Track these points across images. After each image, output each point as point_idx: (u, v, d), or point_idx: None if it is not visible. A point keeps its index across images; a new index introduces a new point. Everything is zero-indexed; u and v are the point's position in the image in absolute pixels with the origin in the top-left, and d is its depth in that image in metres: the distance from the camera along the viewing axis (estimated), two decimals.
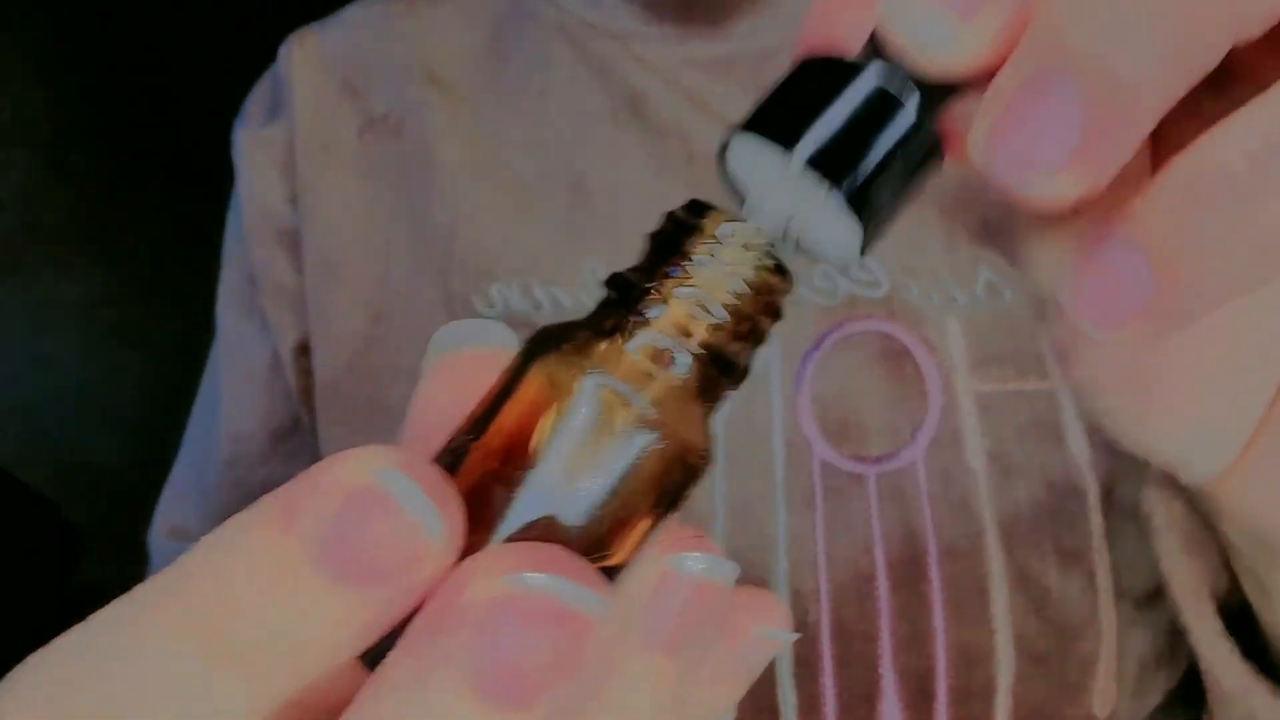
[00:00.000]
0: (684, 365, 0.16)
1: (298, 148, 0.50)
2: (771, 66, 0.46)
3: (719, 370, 0.16)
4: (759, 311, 0.16)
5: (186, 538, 0.53)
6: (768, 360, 0.42)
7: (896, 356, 0.41)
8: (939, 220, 0.43)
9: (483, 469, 0.15)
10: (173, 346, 1.45)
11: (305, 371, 0.51)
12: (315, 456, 0.51)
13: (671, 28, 0.47)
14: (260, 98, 0.54)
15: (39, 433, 1.38)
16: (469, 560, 0.14)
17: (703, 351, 0.16)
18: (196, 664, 0.13)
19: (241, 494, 0.52)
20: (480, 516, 0.15)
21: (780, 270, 0.16)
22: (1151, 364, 0.19)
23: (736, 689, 0.17)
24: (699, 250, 0.16)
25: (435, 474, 0.14)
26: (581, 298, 0.44)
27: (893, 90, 0.16)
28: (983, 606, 0.38)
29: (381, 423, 0.46)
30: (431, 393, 0.18)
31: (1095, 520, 0.39)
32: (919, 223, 0.43)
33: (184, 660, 0.13)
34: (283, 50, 0.52)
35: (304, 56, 0.52)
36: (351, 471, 0.13)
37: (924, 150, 0.16)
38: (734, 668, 0.17)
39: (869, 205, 0.16)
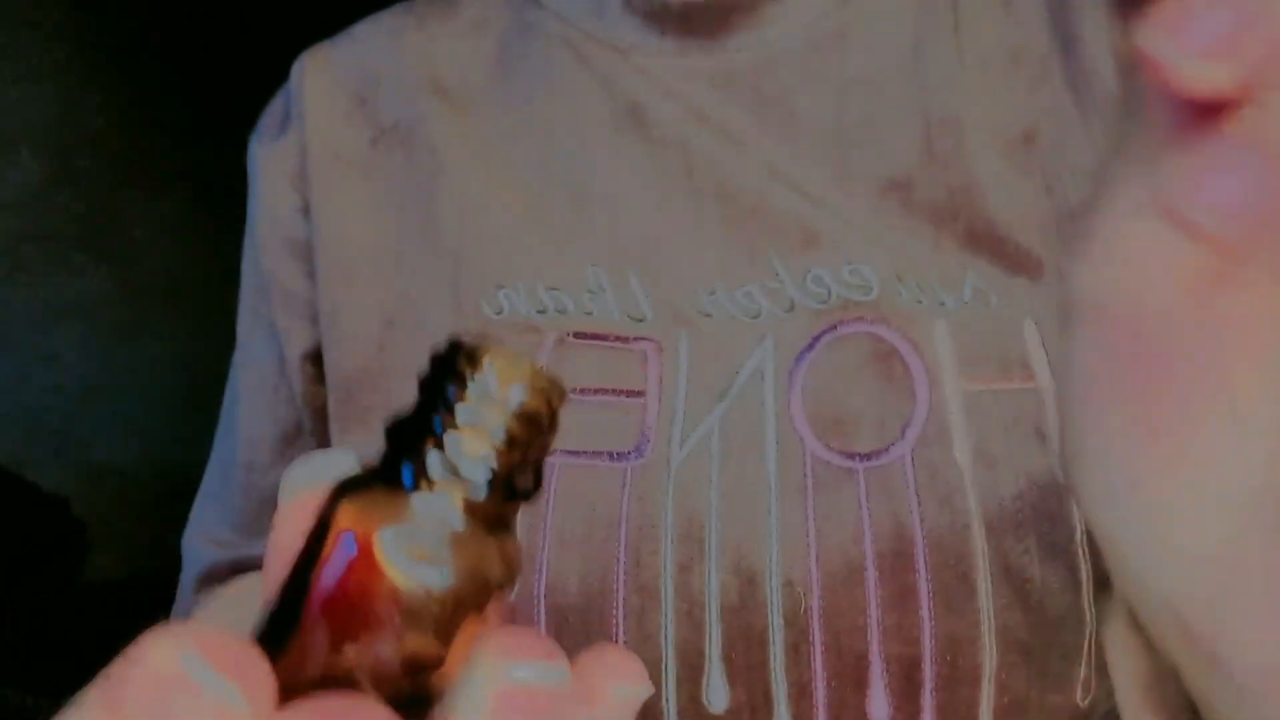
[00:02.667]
0: (456, 517, 0.17)
1: (310, 159, 0.51)
2: (769, 78, 0.47)
3: (504, 497, 0.17)
4: (533, 437, 0.17)
5: (218, 544, 0.55)
6: (763, 360, 0.44)
7: (886, 357, 0.43)
8: (928, 229, 0.45)
9: (302, 628, 0.16)
10: (175, 345, 1.46)
11: (312, 378, 0.52)
12: None
13: (672, 40, 0.48)
14: (274, 112, 0.55)
15: (43, 431, 1.39)
16: None
17: (482, 491, 0.17)
18: None
19: (256, 499, 0.54)
20: (304, 667, 0.16)
21: (550, 394, 0.17)
22: (1153, 492, 0.19)
23: None
24: (466, 396, 0.17)
25: (236, 651, 0.15)
26: (584, 301, 0.46)
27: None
28: (968, 597, 0.39)
29: None
30: (282, 536, 0.19)
31: (1077, 514, 0.40)
32: (909, 232, 0.45)
33: None
34: (295, 67, 0.54)
35: (316, 72, 0.53)
36: (161, 657, 0.15)
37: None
38: None
39: None
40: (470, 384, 0.17)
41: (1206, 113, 0.17)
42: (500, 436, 0.17)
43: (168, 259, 1.42)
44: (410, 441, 0.17)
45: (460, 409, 0.17)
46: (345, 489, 0.17)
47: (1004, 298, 0.43)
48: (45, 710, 1.26)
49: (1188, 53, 0.16)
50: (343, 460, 0.18)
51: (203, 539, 0.56)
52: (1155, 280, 0.18)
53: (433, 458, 0.17)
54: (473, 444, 0.16)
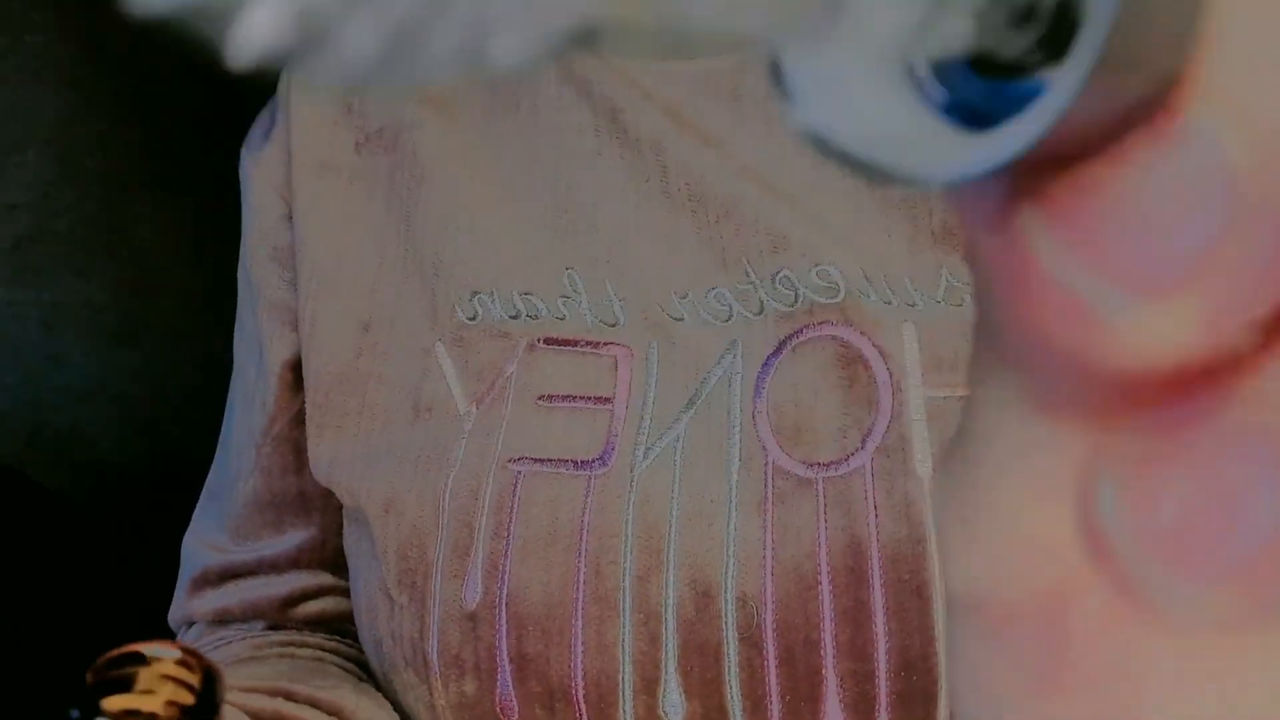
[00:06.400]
0: None
1: (295, 167, 0.52)
2: (747, 80, 0.48)
3: None
4: None
5: (213, 548, 0.57)
6: (731, 367, 0.44)
7: (850, 363, 0.43)
8: (904, 225, 0.44)
9: None
10: (181, 347, 1.47)
11: (291, 385, 0.53)
12: (296, 464, 0.53)
13: None
14: (262, 122, 0.56)
15: (48, 430, 1.40)
16: None
17: None
18: None
19: (243, 504, 0.56)
20: None
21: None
22: None
23: None
24: None
25: None
26: (558, 306, 0.47)
27: None
28: (923, 614, 0.39)
29: (366, 428, 0.48)
30: None
31: None
32: (884, 230, 0.44)
33: None
34: (283, 76, 0.55)
35: (302, 80, 0.54)
36: None
37: None
38: None
39: None
40: None
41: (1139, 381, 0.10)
42: None
43: (175, 261, 1.43)
44: None
45: None
46: None
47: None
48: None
49: (1125, 287, 0.09)
50: None
51: (200, 543, 0.58)
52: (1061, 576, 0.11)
53: None
54: None
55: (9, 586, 1.29)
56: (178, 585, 0.58)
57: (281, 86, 0.55)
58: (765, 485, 0.41)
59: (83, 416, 1.41)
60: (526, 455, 0.44)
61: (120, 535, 1.41)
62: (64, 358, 1.39)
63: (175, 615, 0.58)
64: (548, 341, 0.46)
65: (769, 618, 0.40)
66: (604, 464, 0.43)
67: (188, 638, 0.57)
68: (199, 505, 0.60)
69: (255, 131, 0.56)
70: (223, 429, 0.59)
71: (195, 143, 1.40)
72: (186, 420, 1.42)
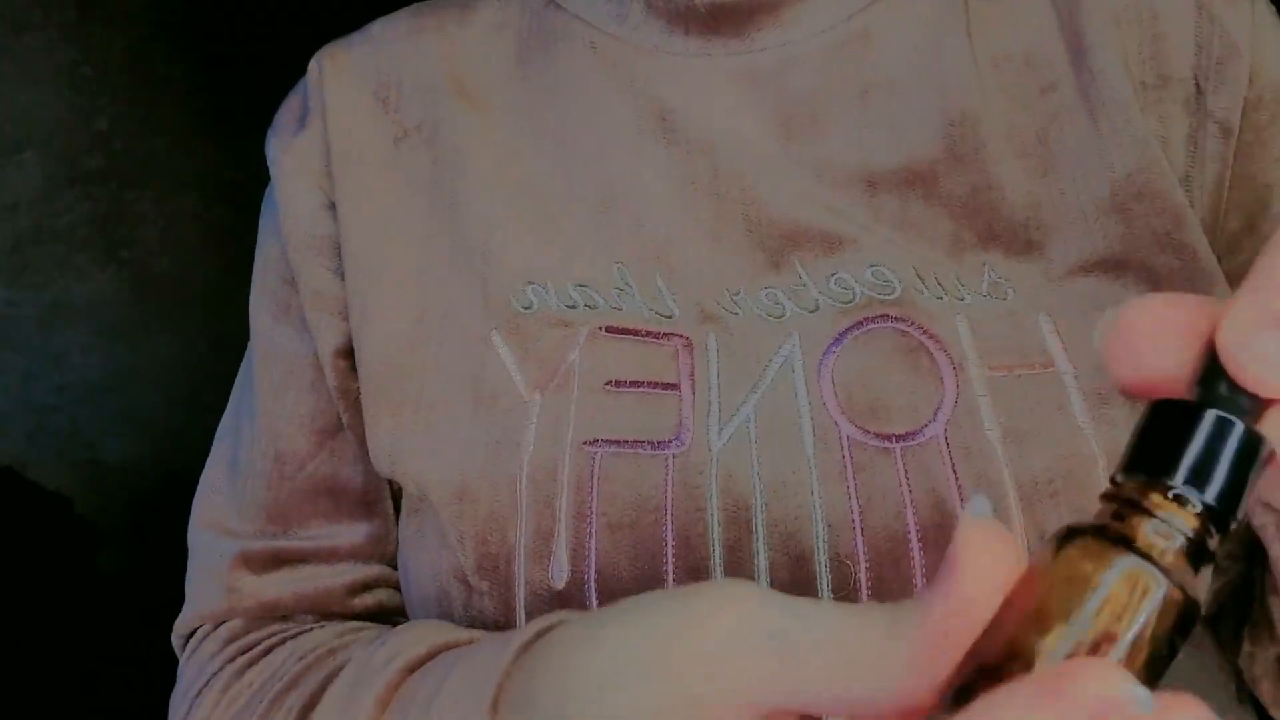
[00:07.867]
0: (1180, 544, 0.21)
1: (334, 158, 0.51)
2: (793, 78, 0.48)
3: (1200, 549, 0.21)
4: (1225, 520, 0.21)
5: (233, 535, 0.54)
6: (790, 354, 0.44)
7: (911, 350, 0.43)
8: (948, 226, 0.45)
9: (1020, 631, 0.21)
10: (181, 346, 1.47)
11: (345, 372, 0.52)
12: (360, 454, 0.52)
13: (696, 40, 0.48)
14: (291, 110, 0.54)
15: (49, 431, 1.40)
16: (1080, 662, 0.19)
17: (1190, 537, 0.21)
18: None
19: (289, 490, 0.53)
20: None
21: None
22: None
23: None
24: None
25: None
26: (613, 297, 0.46)
27: (1244, 421, 0.21)
28: None
29: (425, 417, 0.48)
30: (976, 573, 0.22)
31: (1104, 483, 0.41)
32: (929, 232, 0.46)
33: None
34: (313, 65, 0.53)
35: (334, 70, 0.53)
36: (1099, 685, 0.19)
37: (1267, 455, 0.21)
38: None
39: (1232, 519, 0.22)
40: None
41: None
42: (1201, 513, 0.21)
43: (175, 260, 1.43)
44: (1137, 502, 0.21)
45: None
46: (1068, 539, 0.21)
47: (1020, 290, 0.44)
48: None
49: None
50: (994, 518, 0.22)
51: (215, 530, 0.55)
52: None
53: (1154, 522, 0.21)
54: (1186, 519, 0.21)
55: (9, 586, 1.28)
56: (198, 578, 0.55)
57: (312, 75, 0.53)
58: (844, 457, 0.42)
59: (82, 415, 1.40)
60: (601, 438, 0.44)
61: (119, 535, 1.41)
62: (64, 358, 1.39)
63: (206, 607, 0.54)
64: (609, 330, 0.46)
65: (863, 575, 0.41)
66: (680, 444, 0.43)
67: (217, 636, 0.53)
68: (202, 495, 0.57)
69: (284, 119, 0.54)
70: (232, 416, 0.57)
71: (196, 144, 1.40)
72: (187, 420, 1.42)
